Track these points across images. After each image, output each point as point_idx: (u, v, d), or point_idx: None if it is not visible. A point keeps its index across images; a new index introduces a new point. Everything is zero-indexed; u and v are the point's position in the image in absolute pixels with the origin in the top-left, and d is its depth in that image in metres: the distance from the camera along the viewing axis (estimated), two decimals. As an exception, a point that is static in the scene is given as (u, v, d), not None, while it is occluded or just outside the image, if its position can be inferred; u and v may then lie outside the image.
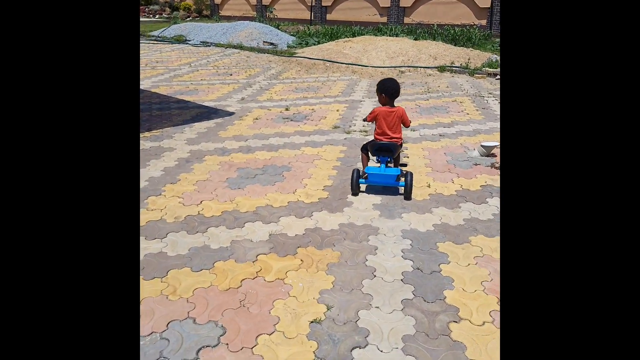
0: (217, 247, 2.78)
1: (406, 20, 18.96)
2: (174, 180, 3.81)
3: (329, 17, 21.39)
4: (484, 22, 16.90)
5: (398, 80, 8.55)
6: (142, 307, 2.23)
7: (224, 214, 3.21)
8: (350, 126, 5.49)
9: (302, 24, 20.05)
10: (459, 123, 5.72)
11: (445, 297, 2.34)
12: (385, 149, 3.48)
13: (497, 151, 4.52)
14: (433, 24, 17.10)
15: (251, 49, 13.07)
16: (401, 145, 3.59)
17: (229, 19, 23.95)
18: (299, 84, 8.25)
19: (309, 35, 15.01)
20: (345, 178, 3.83)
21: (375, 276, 2.51)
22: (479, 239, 2.93)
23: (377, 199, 3.50)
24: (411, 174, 3.49)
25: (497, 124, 5.66)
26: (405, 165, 3.91)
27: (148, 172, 3.96)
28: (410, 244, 2.84)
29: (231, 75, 9.06)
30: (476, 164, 4.27)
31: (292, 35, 15.39)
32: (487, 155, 4.45)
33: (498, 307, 2.27)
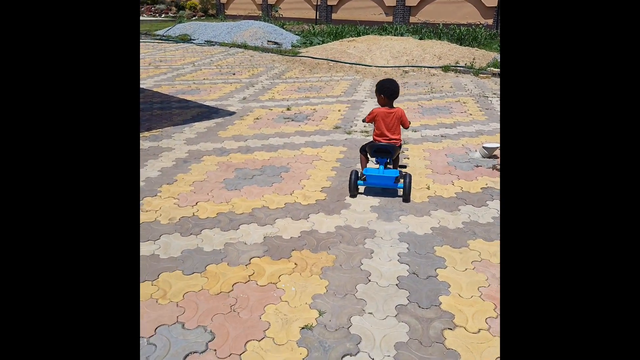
0: (211, 249, 2.74)
1: (412, 19, 18.85)
2: (170, 180, 3.78)
3: (334, 16, 21.33)
4: (490, 21, 16.75)
5: (401, 80, 8.54)
6: (131, 311, 2.19)
7: (219, 216, 3.17)
8: (351, 126, 5.44)
9: (308, 23, 20.00)
10: (461, 124, 5.65)
11: (440, 303, 2.28)
12: (383, 151, 3.42)
13: (499, 153, 4.44)
14: (439, 24, 16.99)
15: (255, 48, 13.05)
16: (400, 146, 3.54)
17: (234, 18, 23.96)
18: (302, 84, 8.20)
19: (314, 35, 14.96)
20: (344, 179, 3.78)
21: (369, 281, 2.46)
22: (478, 242, 2.87)
23: (375, 201, 3.44)
24: (410, 175, 3.43)
25: (501, 125, 5.57)
26: (404, 166, 3.86)
27: (145, 173, 3.94)
28: (407, 248, 2.79)
29: (234, 74, 9.03)
30: (477, 166, 4.20)
31: (296, 34, 15.35)
32: (489, 157, 4.37)
33: (494, 314, 2.21)
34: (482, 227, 3.06)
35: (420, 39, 12.83)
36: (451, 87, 8.00)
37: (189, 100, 6.76)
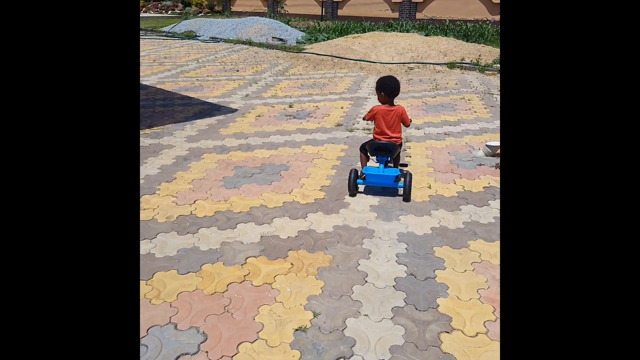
0: (207, 249, 2.72)
1: (418, 15, 18.71)
2: (169, 178, 3.76)
3: (340, 12, 21.22)
4: (497, 17, 16.57)
5: (406, 77, 8.45)
6: (124, 311, 2.17)
7: (217, 214, 3.14)
8: (353, 124, 5.39)
9: (313, 20, 19.92)
10: (465, 121, 5.58)
11: (438, 306, 2.24)
12: (383, 149, 3.37)
13: (503, 151, 4.37)
14: (445, 20, 16.85)
15: (260, 45, 13.00)
16: (401, 145, 3.49)
17: (240, 14, 23.91)
18: (305, 81, 8.16)
19: (319, 31, 14.88)
20: (344, 178, 3.74)
21: (366, 282, 2.42)
22: (478, 243, 2.81)
23: (374, 200, 3.40)
24: (410, 174, 3.38)
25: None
26: (405, 165, 3.80)
27: (145, 170, 3.92)
28: (406, 248, 2.74)
29: (237, 71, 9.00)
30: (480, 164, 4.14)
31: (302, 30, 15.29)
32: (492, 155, 4.31)
33: (493, 317, 2.16)
34: (483, 228, 3.01)
35: (426, 35, 12.72)
36: (456, 84, 7.92)
37: (192, 97, 6.74)
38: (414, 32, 13.19)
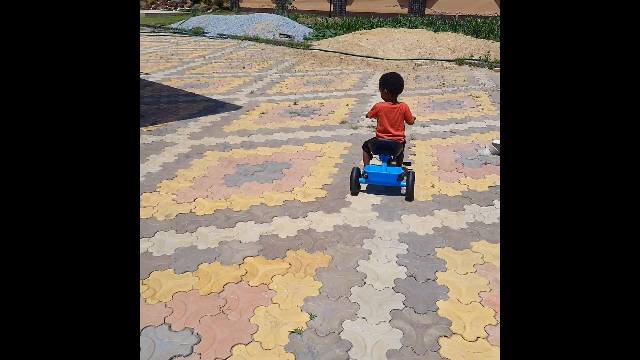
0: (205, 248, 2.69)
1: (427, 11, 18.51)
2: (171, 176, 3.74)
3: (348, 8, 21.07)
4: (508, 13, 16.31)
5: (413, 74, 8.36)
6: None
7: (217, 213, 3.11)
8: (357, 121, 5.33)
9: (321, 16, 19.82)
10: (472, 119, 5.49)
11: (437, 309, 2.18)
12: (386, 147, 3.31)
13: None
14: (454, 15, 16.65)
15: (267, 41, 12.95)
16: (404, 143, 3.42)
17: (248, 11, 23.88)
18: (311, 77, 8.10)
19: (327, 27, 14.80)
20: (347, 176, 3.68)
21: (365, 283, 2.37)
22: (481, 244, 2.75)
23: (377, 199, 3.35)
24: (413, 173, 3.32)
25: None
26: (409, 164, 3.74)
27: (146, 168, 3.90)
28: (407, 249, 2.69)
29: (244, 67, 8.97)
30: (486, 163, 4.06)
31: (309, 27, 15.21)
32: (499, 154, 4.22)
33: (494, 321, 2.10)
34: (487, 228, 2.94)
35: (435, 31, 12.57)
36: (464, 80, 7.80)
37: (197, 94, 6.72)
38: (422, 28, 13.05)
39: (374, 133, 4.40)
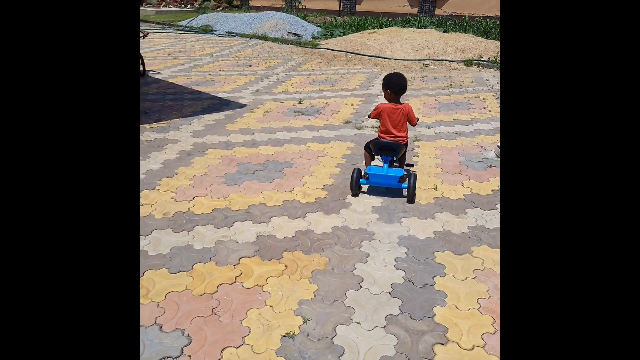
0: (201, 247, 2.66)
1: (437, 11, 18.37)
2: (171, 173, 3.72)
3: (358, 7, 20.99)
4: (519, 13, 16.13)
5: (421, 74, 8.28)
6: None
7: (215, 212, 3.08)
8: (362, 122, 5.27)
9: (331, 15, 19.76)
10: (478, 121, 5.41)
11: (434, 315, 2.13)
12: (388, 148, 3.26)
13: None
14: (465, 16, 16.50)
15: (275, 40, 12.93)
16: (406, 144, 3.37)
17: (257, 9, 23.89)
18: (317, 76, 8.05)
19: (335, 27, 14.74)
20: (348, 177, 3.63)
21: (361, 287, 2.32)
22: (482, 249, 2.69)
23: (377, 200, 3.30)
24: (415, 175, 3.26)
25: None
26: (412, 165, 3.69)
27: (147, 165, 3.89)
28: (406, 253, 2.64)
29: (250, 66, 8.95)
30: (491, 166, 3.99)
31: (318, 26, 15.16)
32: (504, 157, 4.14)
33: (492, 330, 2.05)
34: (489, 233, 2.88)
35: (445, 31, 12.46)
36: (472, 81, 7.71)
37: (202, 92, 6.71)
38: (432, 29, 12.94)
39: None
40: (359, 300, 2.23)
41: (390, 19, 16.57)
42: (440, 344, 1.96)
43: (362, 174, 3.40)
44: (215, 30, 15.12)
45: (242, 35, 13.99)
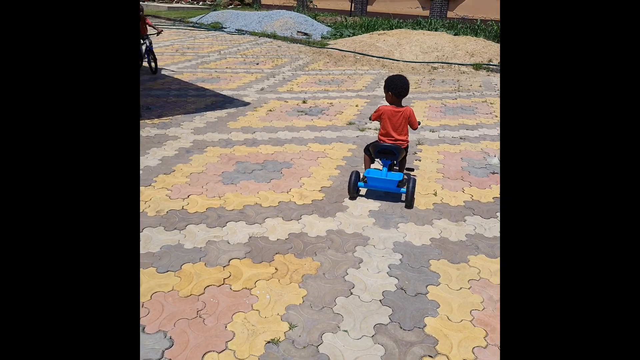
0: (191, 247, 2.61)
1: (449, 14, 18.22)
2: (168, 170, 3.68)
3: (369, 8, 20.90)
4: (532, 18, 15.94)
5: (429, 77, 8.18)
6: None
7: (208, 211, 3.04)
8: (365, 123, 5.20)
9: (342, 15, 19.68)
10: (484, 126, 5.31)
11: (425, 326, 2.07)
12: (387, 152, 3.19)
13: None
14: (477, 19, 16.34)
15: (284, 39, 12.89)
16: (407, 148, 3.30)
17: (269, 7, 23.88)
18: (324, 76, 8.00)
19: (345, 27, 14.66)
20: (347, 179, 3.58)
21: (352, 294, 2.26)
22: (479, 259, 2.61)
23: (375, 204, 3.23)
24: (414, 180, 3.19)
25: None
26: (412, 169, 3.61)
27: (145, 161, 3.86)
28: (400, 259, 2.57)
29: (257, 64, 8.91)
30: (493, 173, 3.90)
31: (328, 26, 15.10)
32: (508, 164, 4.05)
33: (484, 343, 1.98)
34: (487, 242, 2.80)
35: (455, 34, 12.33)
36: (480, 86, 7.60)
37: (207, 89, 6.68)
38: (442, 31, 12.82)
39: (379, 136, 4.26)
40: (349, 307, 2.17)
41: (401, 21, 16.45)
42: (429, 356, 1.90)
43: (361, 177, 3.33)
44: (225, 28, 15.12)
45: (252, 33, 13.97)
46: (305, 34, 13.44)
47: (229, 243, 2.67)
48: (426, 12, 18.87)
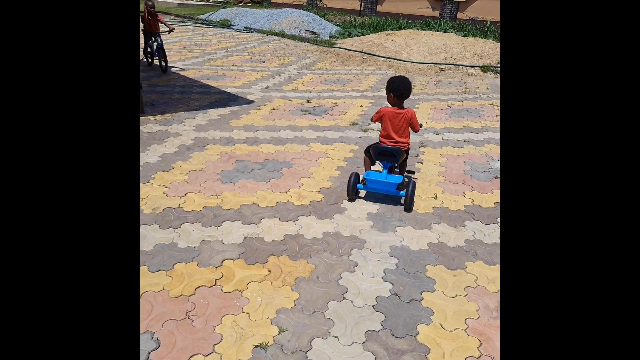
0: (185, 246, 2.59)
1: (459, 15, 18.08)
2: (167, 168, 3.66)
3: (379, 8, 20.79)
4: (543, 21, 15.76)
5: (435, 78, 8.10)
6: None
7: (205, 210, 3.01)
8: (369, 124, 5.16)
9: (351, 15, 19.61)
10: (489, 129, 5.24)
11: (417, 333, 2.02)
12: (387, 154, 3.15)
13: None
14: (487, 21, 16.20)
15: (292, 37, 12.86)
16: (407, 150, 3.24)
17: (278, 6, 23.85)
18: (330, 76, 7.95)
19: (354, 26, 14.60)
20: (347, 181, 3.53)
21: (344, 298, 2.22)
22: (477, 265, 2.56)
23: (374, 207, 3.18)
24: (414, 183, 3.14)
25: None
26: (413, 172, 3.56)
27: (145, 158, 3.84)
28: (396, 264, 2.52)
29: (264, 62, 8.89)
30: (497, 177, 3.84)
31: (337, 25, 15.04)
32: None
33: (477, 354, 1.93)
34: (486, 248, 2.74)
35: (465, 36, 12.22)
36: (487, 88, 7.51)
37: (211, 86, 6.67)
38: (451, 32, 12.71)
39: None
40: (340, 312, 2.13)
41: (410, 21, 16.34)
42: (420, 365, 1.85)
43: (361, 178, 3.29)
44: (233, 25, 15.12)
45: (260, 31, 13.96)
46: (314, 32, 13.40)
47: (223, 243, 2.64)
48: (436, 13, 18.73)
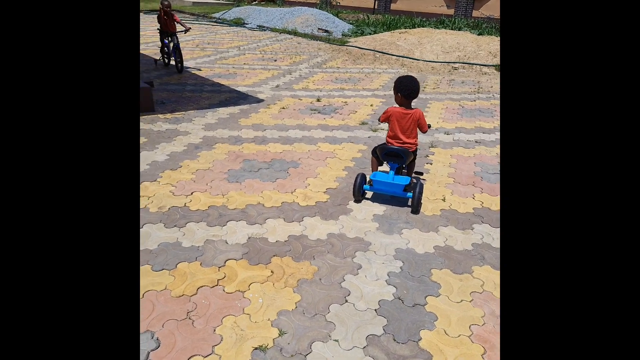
0: (189, 245, 2.59)
1: (475, 13, 17.85)
2: (175, 166, 3.67)
3: (393, 6, 20.65)
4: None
5: (448, 77, 8.01)
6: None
7: (210, 209, 3.01)
8: (378, 124, 5.11)
9: (365, 13, 19.50)
10: (502, 130, 5.14)
11: (420, 339, 1.98)
12: (394, 155, 3.10)
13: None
14: (503, 19, 15.94)
15: (304, 35, 12.84)
16: (415, 151, 3.20)
17: (291, 4, 23.85)
18: (341, 74, 7.91)
19: (367, 25, 14.51)
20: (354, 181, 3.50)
21: (346, 301, 2.20)
22: (484, 270, 2.51)
23: (380, 208, 3.15)
24: (421, 184, 3.09)
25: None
26: (421, 173, 3.51)
27: (153, 156, 3.86)
28: (401, 267, 2.49)
29: (275, 61, 8.89)
30: (507, 179, 3.76)
31: (350, 23, 14.97)
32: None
33: (481, 361, 1.88)
34: (494, 252, 2.69)
35: (479, 34, 12.05)
36: (501, 88, 7.39)
37: (222, 85, 6.68)
38: (466, 30, 12.55)
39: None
40: (342, 315, 2.10)
41: (424, 19, 16.19)
42: (422, 372, 1.82)
43: (367, 179, 3.25)
44: (246, 24, 15.16)
45: (273, 30, 13.97)
46: (326, 31, 13.35)
47: (227, 243, 2.63)
48: (451, 11, 18.53)
